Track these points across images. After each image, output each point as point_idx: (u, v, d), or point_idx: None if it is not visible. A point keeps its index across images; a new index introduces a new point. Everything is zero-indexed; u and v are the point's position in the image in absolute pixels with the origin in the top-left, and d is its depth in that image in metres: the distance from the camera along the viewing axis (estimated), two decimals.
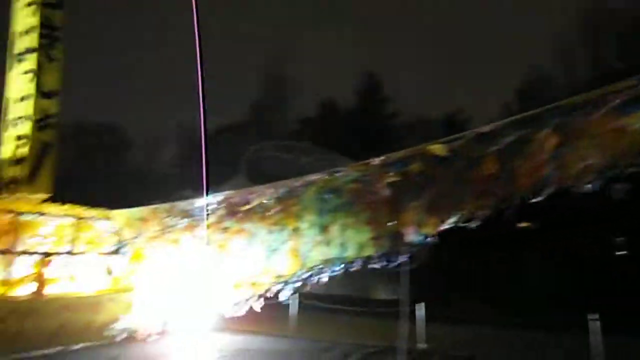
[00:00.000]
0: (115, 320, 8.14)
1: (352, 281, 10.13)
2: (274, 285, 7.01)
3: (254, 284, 7.34)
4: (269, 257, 7.16)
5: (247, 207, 7.48)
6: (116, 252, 9.49)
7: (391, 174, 5.92)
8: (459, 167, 5.46)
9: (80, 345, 7.61)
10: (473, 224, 5.34)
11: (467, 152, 5.39)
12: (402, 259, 5.84)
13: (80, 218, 9.12)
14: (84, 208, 9.31)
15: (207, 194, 8.20)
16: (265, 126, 29.43)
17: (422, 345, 7.87)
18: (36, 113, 8.90)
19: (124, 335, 7.90)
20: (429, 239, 5.69)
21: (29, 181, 8.73)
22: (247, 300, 7.48)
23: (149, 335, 8.01)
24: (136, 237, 8.76)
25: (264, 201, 7.34)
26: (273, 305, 7.49)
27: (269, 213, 7.20)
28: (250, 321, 8.18)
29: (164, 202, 8.80)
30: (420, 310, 8.13)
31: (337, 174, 6.53)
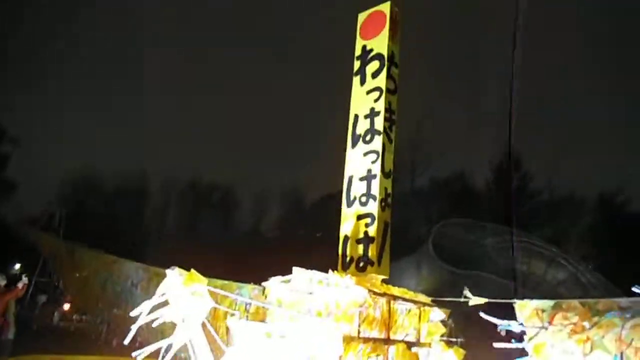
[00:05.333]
0: None
1: None
2: None
3: None
4: None
5: None
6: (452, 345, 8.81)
7: None
8: None
9: None
10: None
11: None
12: None
13: (423, 304, 8.61)
14: (419, 294, 8.84)
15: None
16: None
17: None
18: (381, 192, 8.88)
19: None
20: None
21: (377, 262, 8.44)
22: None
23: None
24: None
25: None
26: None
27: None
28: None
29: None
30: None
31: None
